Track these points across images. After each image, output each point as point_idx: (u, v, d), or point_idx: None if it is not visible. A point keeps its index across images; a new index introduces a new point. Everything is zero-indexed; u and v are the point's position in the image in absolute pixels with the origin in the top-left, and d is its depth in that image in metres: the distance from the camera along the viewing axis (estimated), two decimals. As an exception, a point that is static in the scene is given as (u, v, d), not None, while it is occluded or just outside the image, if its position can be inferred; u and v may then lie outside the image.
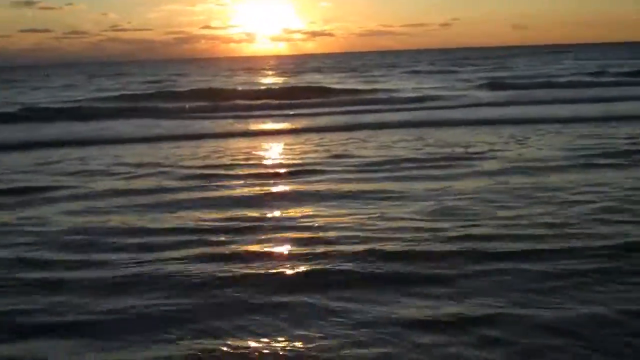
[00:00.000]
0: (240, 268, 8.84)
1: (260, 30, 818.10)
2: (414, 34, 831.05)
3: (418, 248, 9.37)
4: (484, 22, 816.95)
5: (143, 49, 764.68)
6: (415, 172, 15.42)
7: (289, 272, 8.67)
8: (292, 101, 39.64)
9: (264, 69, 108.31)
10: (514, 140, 20.18)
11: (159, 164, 17.71)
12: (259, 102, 39.68)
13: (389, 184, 14.00)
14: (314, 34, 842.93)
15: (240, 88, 50.39)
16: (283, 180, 15.00)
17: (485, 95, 39.80)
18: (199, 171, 16.44)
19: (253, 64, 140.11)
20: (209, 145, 21.52)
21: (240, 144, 21.70)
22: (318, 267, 8.77)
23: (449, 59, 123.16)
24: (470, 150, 18.42)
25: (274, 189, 13.93)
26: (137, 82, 71.62)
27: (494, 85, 46.90)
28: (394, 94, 42.21)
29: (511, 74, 61.20)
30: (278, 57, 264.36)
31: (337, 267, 8.72)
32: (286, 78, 72.06)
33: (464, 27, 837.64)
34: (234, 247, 9.77)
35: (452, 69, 78.22)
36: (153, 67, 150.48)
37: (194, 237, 10.36)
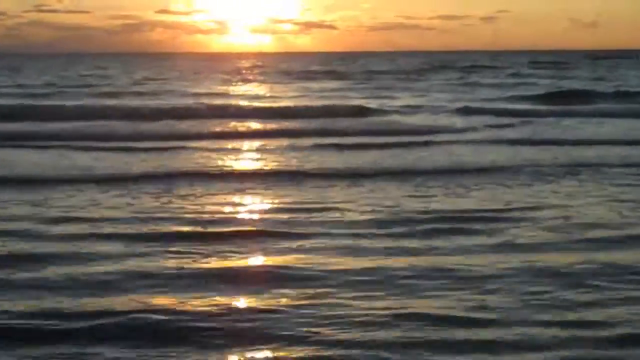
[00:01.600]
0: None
1: (236, 18, 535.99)
2: (445, 29, 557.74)
3: None
4: (540, 17, 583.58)
5: (78, 37, 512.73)
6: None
7: None
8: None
9: (233, 72, 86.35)
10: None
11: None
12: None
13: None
14: (309, 26, 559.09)
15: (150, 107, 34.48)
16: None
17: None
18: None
19: (220, 63, 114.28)
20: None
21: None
22: None
23: (500, 63, 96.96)
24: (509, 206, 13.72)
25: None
26: (25, 85, 55.49)
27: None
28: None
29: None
30: (259, 56, 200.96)
31: None
32: (252, 86, 59.92)
33: (512, 22, 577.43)
34: None
35: (522, 79, 61.61)
36: (81, 62, 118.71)
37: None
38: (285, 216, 12.79)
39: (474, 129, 27.62)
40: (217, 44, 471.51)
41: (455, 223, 12.22)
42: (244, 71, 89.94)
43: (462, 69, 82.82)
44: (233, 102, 39.34)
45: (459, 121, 30.37)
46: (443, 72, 76.75)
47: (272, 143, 23.68)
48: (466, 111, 34.06)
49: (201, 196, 14.61)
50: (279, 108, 35.34)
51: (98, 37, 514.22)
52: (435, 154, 20.88)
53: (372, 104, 37.98)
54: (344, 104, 37.23)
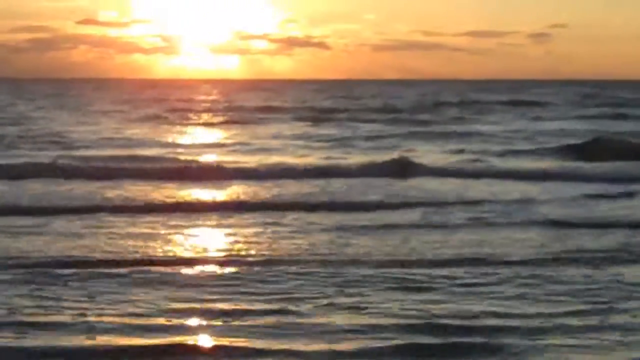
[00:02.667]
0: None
1: (191, 33, 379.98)
2: (478, 50, 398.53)
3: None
4: (607, 34, 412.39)
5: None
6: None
7: None
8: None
9: (177, 105, 71.23)
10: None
11: None
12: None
13: None
14: (291, 43, 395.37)
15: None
16: None
17: None
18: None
19: (163, 93, 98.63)
20: None
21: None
22: None
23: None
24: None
25: None
26: None
27: None
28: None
29: None
30: (218, 84, 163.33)
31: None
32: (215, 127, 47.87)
33: (570, 40, 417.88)
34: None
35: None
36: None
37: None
38: None
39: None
40: (163, 67, 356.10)
41: None
42: (199, 104, 75.99)
43: (508, 104, 71.67)
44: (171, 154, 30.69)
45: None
46: (485, 108, 65.27)
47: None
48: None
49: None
50: (264, 167, 26.13)
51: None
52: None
53: (416, 155, 29.87)
54: (380, 159, 27.20)
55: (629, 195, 20.56)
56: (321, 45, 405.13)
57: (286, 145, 35.53)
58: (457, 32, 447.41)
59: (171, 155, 30.43)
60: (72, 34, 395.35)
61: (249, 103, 76.22)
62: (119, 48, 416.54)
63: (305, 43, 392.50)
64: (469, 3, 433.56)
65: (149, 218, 17.01)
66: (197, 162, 27.81)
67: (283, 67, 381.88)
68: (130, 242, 14.46)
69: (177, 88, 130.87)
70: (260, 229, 15.86)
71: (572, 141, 34.69)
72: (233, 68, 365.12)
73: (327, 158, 30.02)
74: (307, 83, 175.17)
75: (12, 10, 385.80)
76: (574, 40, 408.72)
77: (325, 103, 76.02)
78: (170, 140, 38.70)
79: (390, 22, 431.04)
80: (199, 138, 40.86)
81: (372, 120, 51.35)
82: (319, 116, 54.86)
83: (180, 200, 19.90)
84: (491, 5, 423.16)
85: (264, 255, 13.53)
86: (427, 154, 31.47)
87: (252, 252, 13.80)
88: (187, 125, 50.14)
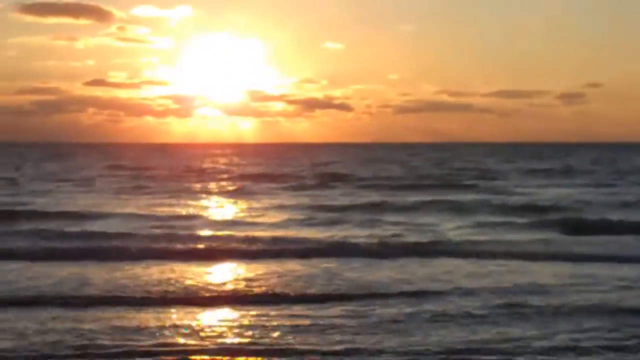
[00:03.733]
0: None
1: (204, 94, 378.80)
2: (507, 111, 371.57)
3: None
4: None
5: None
6: None
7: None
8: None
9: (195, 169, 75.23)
10: None
11: None
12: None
13: None
14: (311, 105, 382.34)
15: None
16: None
17: None
18: None
19: (172, 158, 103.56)
20: None
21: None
22: None
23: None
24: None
25: None
26: None
27: None
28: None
29: None
30: (233, 147, 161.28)
31: None
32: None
33: (606, 100, 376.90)
34: None
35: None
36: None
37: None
38: None
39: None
40: (175, 130, 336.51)
41: None
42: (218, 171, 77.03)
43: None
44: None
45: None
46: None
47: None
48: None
49: None
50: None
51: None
52: None
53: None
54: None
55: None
56: (342, 106, 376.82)
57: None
58: (485, 92, 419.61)
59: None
60: (80, 95, 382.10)
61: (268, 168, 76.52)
62: (129, 110, 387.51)
63: (326, 104, 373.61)
64: (498, 62, 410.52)
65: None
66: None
67: (301, 129, 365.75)
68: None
69: (190, 153, 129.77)
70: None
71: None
72: (246, 130, 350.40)
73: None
74: (323, 146, 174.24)
75: (17, 71, 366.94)
76: (610, 99, 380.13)
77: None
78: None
79: (413, 82, 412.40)
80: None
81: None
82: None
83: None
84: (521, 65, 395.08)
85: None
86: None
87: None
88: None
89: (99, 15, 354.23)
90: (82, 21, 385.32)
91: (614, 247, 24.56)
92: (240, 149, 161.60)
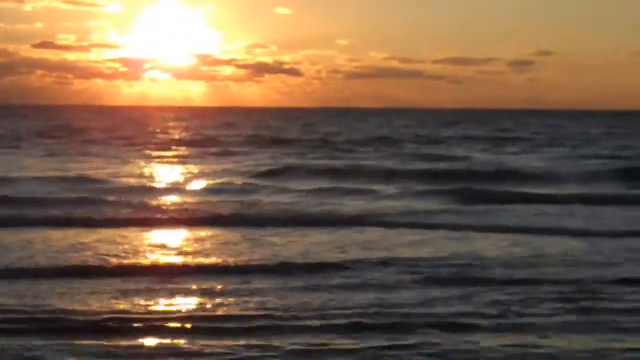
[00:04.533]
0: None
1: (154, 57, 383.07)
2: (458, 78, 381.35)
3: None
4: (598, 62, 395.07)
5: None
6: None
7: None
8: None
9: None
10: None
11: None
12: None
13: None
14: (261, 70, 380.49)
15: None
16: None
17: None
18: None
19: (121, 120, 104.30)
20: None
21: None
22: None
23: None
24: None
25: None
26: None
27: None
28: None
29: None
30: (180, 110, 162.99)
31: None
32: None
33: (556, 69, 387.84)
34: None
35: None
36: None
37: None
38: None
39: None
40: (125, 93, 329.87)
41: None
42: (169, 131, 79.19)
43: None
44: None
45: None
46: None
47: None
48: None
49: None
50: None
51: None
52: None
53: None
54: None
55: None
56: (292, 72, 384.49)
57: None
58: (436, 59, 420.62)
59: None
60: (29, 58, 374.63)
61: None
62: (78, 73, 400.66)
63: (276, 69, 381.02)
64: (449, 29, 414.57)
65: None
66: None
67: (251, 94, 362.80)
68: None
69: (138, 116, 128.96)
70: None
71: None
72: (197, 94, 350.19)
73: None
74: (272, 111, 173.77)
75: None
76: (561, 68, 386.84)
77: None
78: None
79: (364, 49, 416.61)
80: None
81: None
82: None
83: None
84: (472, 32, 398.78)
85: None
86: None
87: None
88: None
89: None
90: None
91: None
92: (186, 113, 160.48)
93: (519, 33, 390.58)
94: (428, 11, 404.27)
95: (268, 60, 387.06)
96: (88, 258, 16.90)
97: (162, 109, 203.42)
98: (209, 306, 13.02)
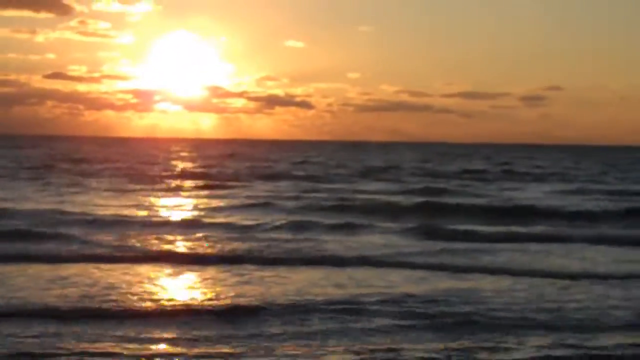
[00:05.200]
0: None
1: (166, 89, 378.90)
2: (467, 112, 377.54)
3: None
4: (608, 97, 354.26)
5: None
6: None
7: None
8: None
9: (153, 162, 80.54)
10: None
11: None
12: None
13: None
14: (272, 102, 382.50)
15: None
16: None
17: None
18: None
19: (128, 153, 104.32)
20: None
21: None
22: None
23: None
24: None
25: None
26: None
27: None
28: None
29: None
30: (190, 142, 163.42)
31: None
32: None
33: (566, 104, 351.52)
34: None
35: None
36: None
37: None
38: None
39: None
40: (135, 124, 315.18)
41: None
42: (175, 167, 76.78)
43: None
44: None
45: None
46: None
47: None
48: None
49: None
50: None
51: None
52: None
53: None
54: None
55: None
56: (303, 104, 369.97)
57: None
58: (445, 93, 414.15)
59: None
60: (40, 88, 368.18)
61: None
62: (88, 104, 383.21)
63: (287, 102, 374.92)
64: (460, 63, 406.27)
65: None
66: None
67: (261, 126, 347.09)
68: None
69: (148, 148, 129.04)
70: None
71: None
72: (210, 127, 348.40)
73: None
74: (281, 143, 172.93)
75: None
76: (570, 103, 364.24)
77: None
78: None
79: (374, 81, 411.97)
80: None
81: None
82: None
83: None
84: (483, 66, 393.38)
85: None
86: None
87: None
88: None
89: (60, 9, 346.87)
90: (43, 15, 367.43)
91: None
92: (196, 144, 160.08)
93: (530, 68, 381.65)
94: (439, 45, 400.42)
95: (279, 92, 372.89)
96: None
97: (172, 140, 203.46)
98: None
